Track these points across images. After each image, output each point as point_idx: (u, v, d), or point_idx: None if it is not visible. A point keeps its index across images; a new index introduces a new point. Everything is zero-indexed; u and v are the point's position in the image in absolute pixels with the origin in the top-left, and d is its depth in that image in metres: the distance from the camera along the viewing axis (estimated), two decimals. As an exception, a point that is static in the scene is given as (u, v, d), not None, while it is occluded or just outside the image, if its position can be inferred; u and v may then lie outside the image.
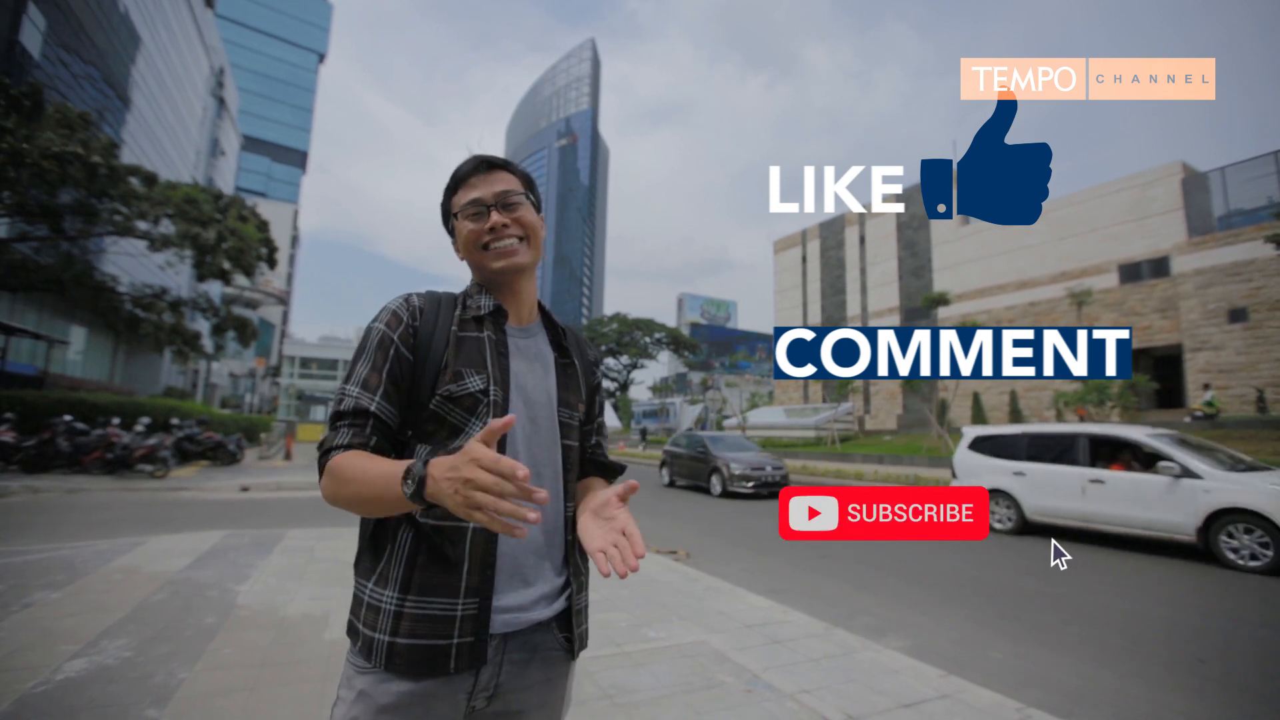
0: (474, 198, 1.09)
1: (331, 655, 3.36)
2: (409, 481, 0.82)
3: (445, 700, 0.95)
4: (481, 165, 1.12)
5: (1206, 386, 20.08)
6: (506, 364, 1.07)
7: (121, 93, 26.75)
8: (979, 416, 31.97)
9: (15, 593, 4.25)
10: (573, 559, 1.10)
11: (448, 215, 1.14)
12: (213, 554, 5.69)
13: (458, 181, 1.12)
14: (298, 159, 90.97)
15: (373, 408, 0.99)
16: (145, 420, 14.03)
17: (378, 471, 0.88)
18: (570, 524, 1.09)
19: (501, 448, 1.00)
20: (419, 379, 1.03)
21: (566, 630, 1.08)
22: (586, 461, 1.24)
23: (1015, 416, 31.08)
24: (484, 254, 1.09)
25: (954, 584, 5.67)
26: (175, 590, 4.50)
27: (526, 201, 1.12)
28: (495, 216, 1.08)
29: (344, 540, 6.52)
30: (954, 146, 45.37)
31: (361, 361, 1.02)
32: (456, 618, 0.95)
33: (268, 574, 5.06)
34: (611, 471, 1.26)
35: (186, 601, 4.24)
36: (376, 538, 1.02)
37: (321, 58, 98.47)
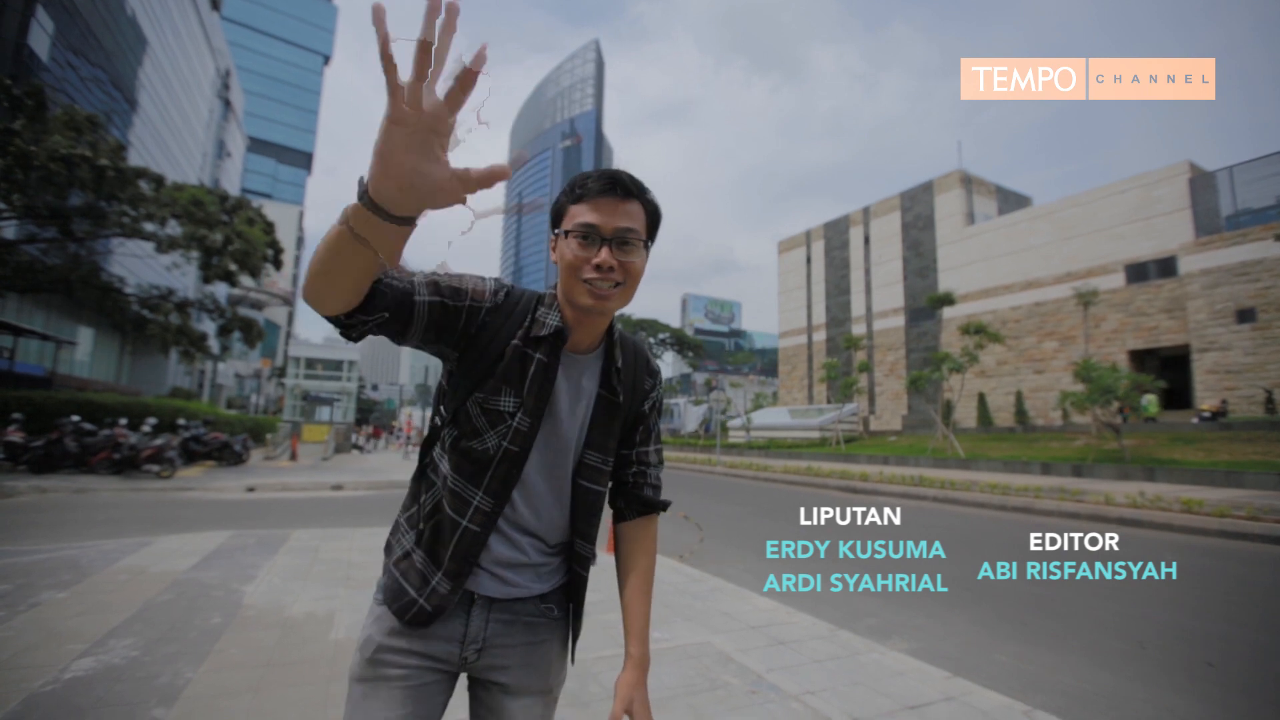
0: (590, 223, 0.99)
1: (337, 655, 3.37)
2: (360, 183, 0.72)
3: (442, 641, 1.06)
4: (614, 187, 1.00)
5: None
6: (548, 392, 1.05)
7: (129, 95, 26.93)
8: (984, 417, 31.86)
9: (22, 592, 4.28)
10: (577, 597, 1.18)
11: (556, 220, 1.05)
12: (218, 554, 5.72)
13: (581, 194, 1.01)
14: (303, 160, 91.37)
15: (418, 294, 0.94)
16: (152, 421, 14.10)
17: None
18: (579, 560, 1.16)
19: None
20: (467, 370, 1.04)
21: (550, 603, 1.14)
22: (630, 496, 1.23)
23: (1021, 418, 30.97)
24: (576, 283, 1.01)
25: (959, 587, 5.65)
26: (181, 590, 4.52)
27: (642, 246, 1.03)
28: (604, 254, 0.98)
29: (348, 541, 6.54)
30: (959, 147, 45.27)
31: (448, 275, 1.01)
32: (431, 585, 1.04)
33: (273, 574, 5.08)
34: (650, 508, 1.24)
35: (192, 601, 4.26)
36: (418, 482, 1.14)
37: (326, 59, 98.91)
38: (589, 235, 0.99)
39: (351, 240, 0.73)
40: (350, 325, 0.88)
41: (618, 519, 1.25)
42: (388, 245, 0.74)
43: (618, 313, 1.11)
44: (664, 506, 1.26)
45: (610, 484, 1.22)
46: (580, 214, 1.00)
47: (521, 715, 1.11)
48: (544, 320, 1.05)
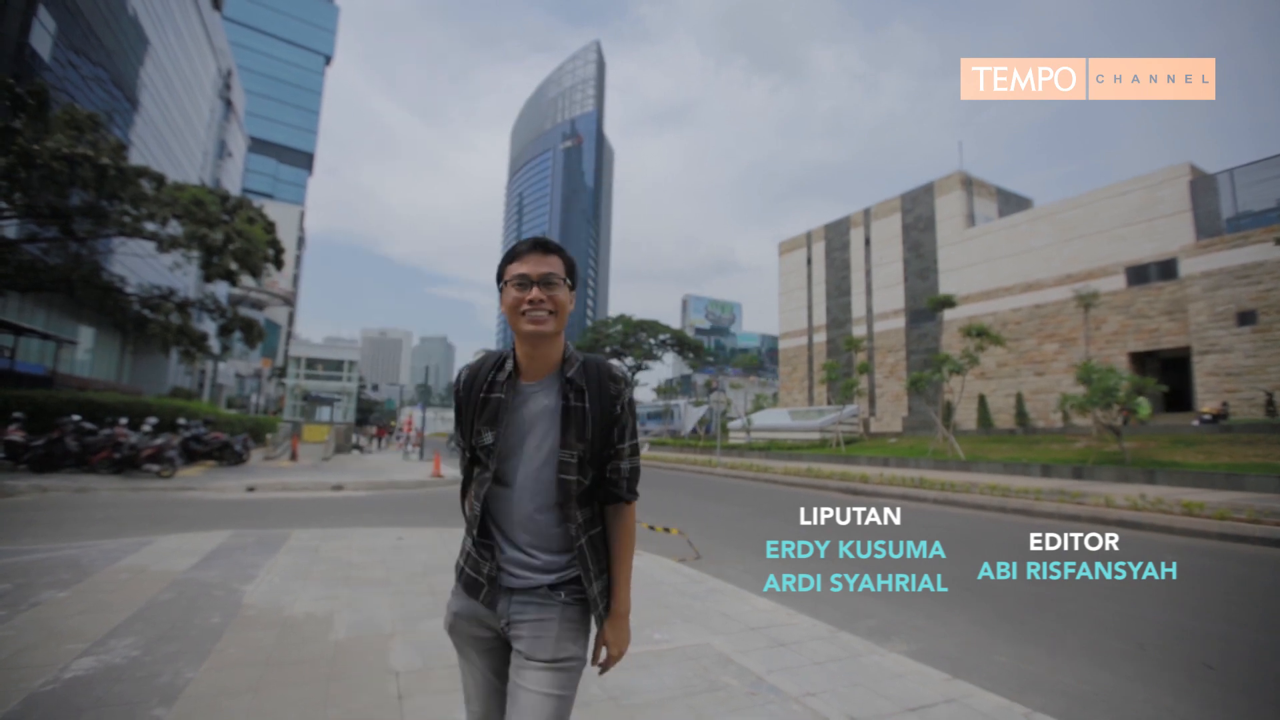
0: (523, 273, 1.37)
1: (336, 655, 3.37)
2: None
3: (486, 618, 1.43)
4: (537, 247, 1.40)
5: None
6: (503, 415, 1.40)
7: (130, 94, 26.93)
8: (985, 419, 31.84)
9: (23, 591, 4.29)
10: (586, 565, 1.43)
11: (500, 277, 1.43)
12: (219, 554, 5.72)
13: (515, 255, 1.40)
14: (304, 160, 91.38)
15: (472, 452, 1.50)
16: (152, 420, 14.10)
17: None
18: (571, 540, 1.43)
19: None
20: (466, 431, 1.47)
21: (557, 589, 1.41)
22: (607, 492, 1.50)
23: (1021, 420, 30.94)
24: (519, 318, 1.36)
25: (959, 587, 5.64)
26: (182, 590, 4.52)
27: (563, 284, 1.40)
28: (535, 292, 1.35)
29: (348, 541, 6.54)
30: (959, 148, 45.28)
31: (460, 419, 1.50)
32: (484, 570, 1.42)
33: (273, 574, 5.08)
34: (622, 500, 1.52)
35: (193, 601, 4.26)
36: (463, 504, 1.56)
37: (328, 60, 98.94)
38: (522, 281, 1.37)
39: None
40: None
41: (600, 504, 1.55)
42: None
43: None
44: (632, 499, 1.54)
45: (591, 476, 1.47)
46: (515, 269, 1.39)
47: (530, 677, 1.34)
48: (505, 367, 1.44)
